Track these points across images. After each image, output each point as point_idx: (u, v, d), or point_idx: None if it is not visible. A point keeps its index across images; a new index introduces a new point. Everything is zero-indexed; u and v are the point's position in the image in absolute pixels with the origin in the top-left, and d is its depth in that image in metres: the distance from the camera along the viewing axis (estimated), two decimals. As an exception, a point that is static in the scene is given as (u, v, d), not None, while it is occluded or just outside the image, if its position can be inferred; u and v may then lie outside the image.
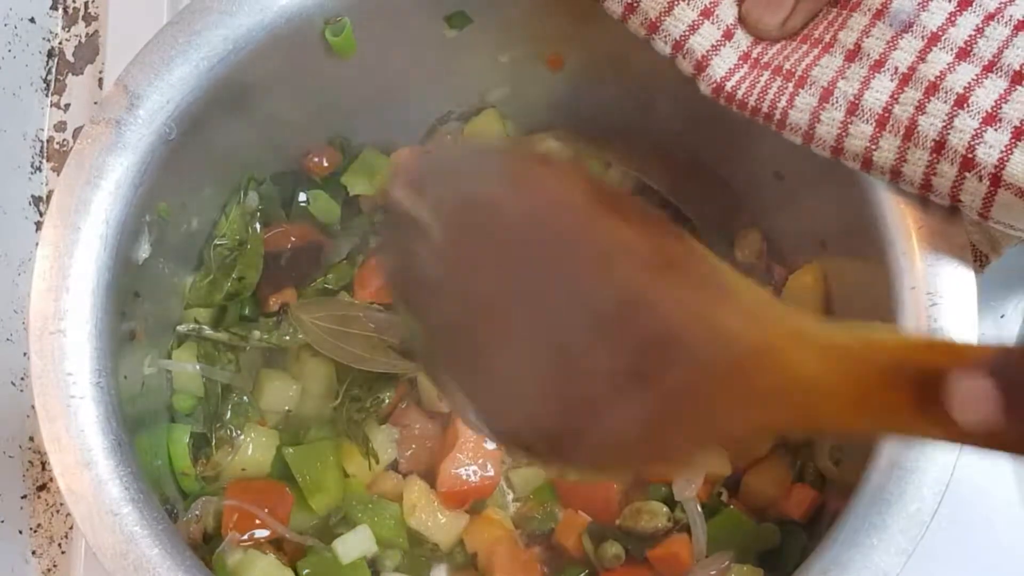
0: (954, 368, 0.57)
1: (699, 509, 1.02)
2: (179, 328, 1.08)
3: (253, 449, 1.07)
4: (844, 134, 0.87)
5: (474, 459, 1.05)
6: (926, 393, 0.58)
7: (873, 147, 0.86)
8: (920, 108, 0.84)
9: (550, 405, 0.66)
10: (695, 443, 0.67)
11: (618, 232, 0.64)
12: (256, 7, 0.95)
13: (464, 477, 1.05)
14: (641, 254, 0.63)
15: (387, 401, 1.08)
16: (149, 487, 0.88)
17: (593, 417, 0.65)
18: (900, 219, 0.89)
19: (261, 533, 1.02)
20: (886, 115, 0.85)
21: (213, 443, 1.06)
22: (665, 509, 1.02)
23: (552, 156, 0.75)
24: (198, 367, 1.07)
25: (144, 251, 0.97)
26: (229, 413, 1.07)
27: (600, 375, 0.64)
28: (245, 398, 1.08)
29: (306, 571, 1.01)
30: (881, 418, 0.62)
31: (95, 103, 1.29)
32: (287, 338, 1.09)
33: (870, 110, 0.86)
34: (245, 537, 1.01)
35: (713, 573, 0.98)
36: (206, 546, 1.01)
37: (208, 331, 1.08)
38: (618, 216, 0.65)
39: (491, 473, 1.05)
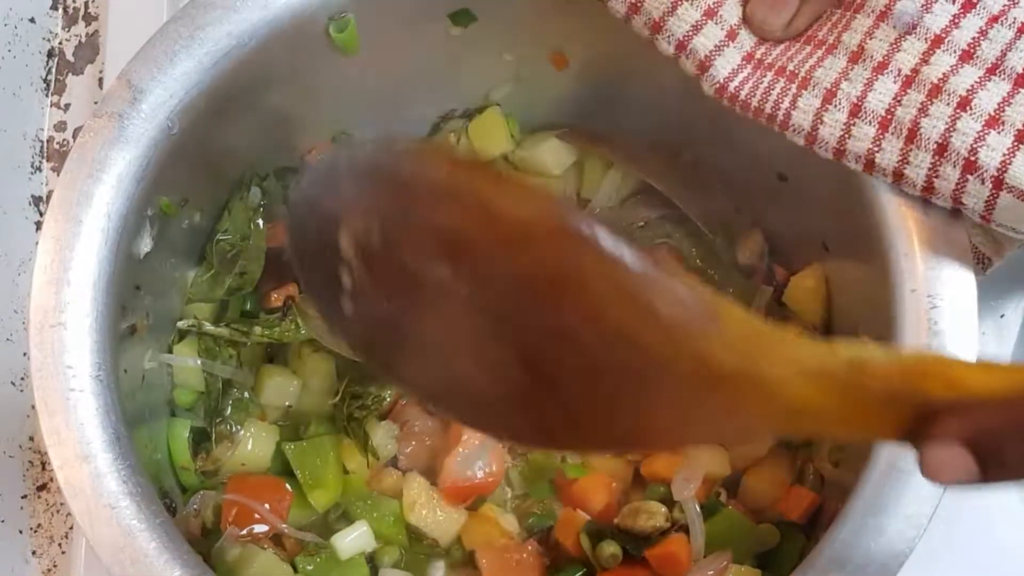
0: (931, 433, 0.58)
1: (697, 509, 1.01)
2: (180, 324, 1.08)
3: (253, 444, 1.07)
4: (847, 136, 0.87)
5: (478, 455, 1.05)
6: (913, 424, 0.60)
7: (876, 149, 0.86)
8: (923, 110, 0.84)
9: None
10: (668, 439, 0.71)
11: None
12: (259, 3, 0.95)
13: (468, 474, 1.05)
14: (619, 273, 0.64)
15: (388, 399, 1.08)
16: (148, 481, 0.88)
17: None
18: (901, 221, 0.89)
19: (260, 528, 1.02)
20: (889, 117, 0.85)
21: (213, 438, 1.06)
22: (663, 509, 1.02)
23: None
24: (199, 362, 1.07)
25: (146, 245, 0.97)
26: (229, 408, 1.07)
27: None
28: (246, 394, 1.08)
29: (305, 567, 1.01)
30: (868, 434, 0.63)
31: (95, 103, 1.29)
32: (288, 334, 1.09)
33: (873, 112, 0.86)
34: (244, 532, 1.01)
35: (711, 573, 0.98)
36: (205, 541, 1.01)
37: (209, 326, 1.08)
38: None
39: (494, 470, 1.05)
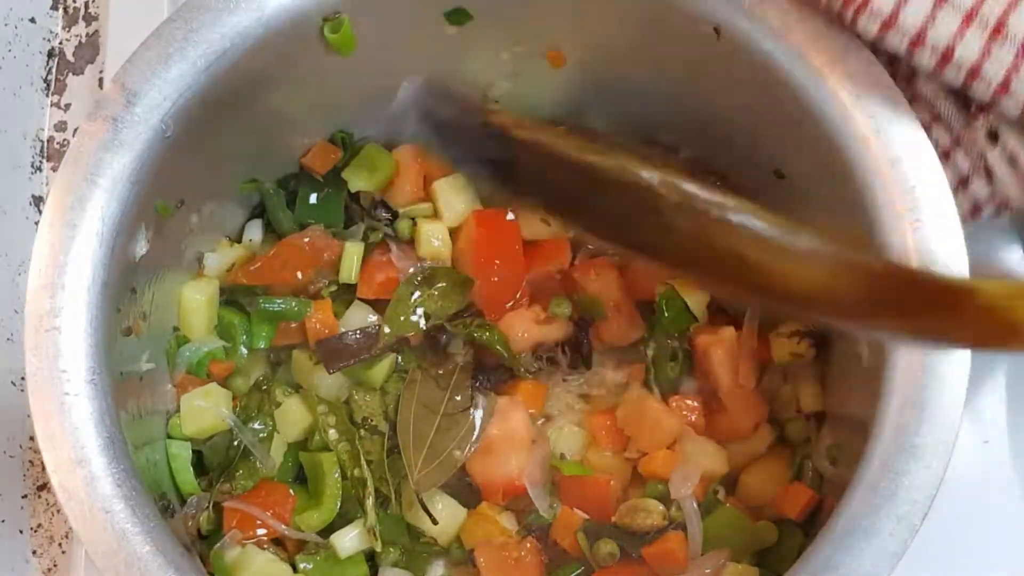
0: None
1: (695, 507, 1.01)
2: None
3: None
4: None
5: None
6: None
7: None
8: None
9: None
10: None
11: None
12: (253, 4, 0.94)
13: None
14: None
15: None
16: (142, 484, 0.88)
17: None
18: (896, 220, 0.88)
19: (260, 530, 1.02)
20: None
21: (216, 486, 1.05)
22: (661, 507, 1.02)
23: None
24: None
25: (141, 248, 0.96)
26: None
27: None
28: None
29: (304, 566, 1.02)
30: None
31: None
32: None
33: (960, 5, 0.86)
34: (245, 535, 1.01)
35: (708, 571, 0.98)
36: (203, 541, 1.01)
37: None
38: None
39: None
